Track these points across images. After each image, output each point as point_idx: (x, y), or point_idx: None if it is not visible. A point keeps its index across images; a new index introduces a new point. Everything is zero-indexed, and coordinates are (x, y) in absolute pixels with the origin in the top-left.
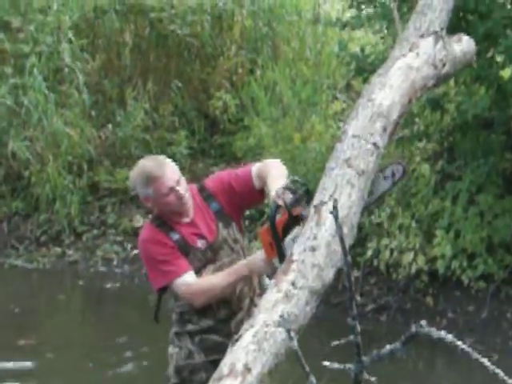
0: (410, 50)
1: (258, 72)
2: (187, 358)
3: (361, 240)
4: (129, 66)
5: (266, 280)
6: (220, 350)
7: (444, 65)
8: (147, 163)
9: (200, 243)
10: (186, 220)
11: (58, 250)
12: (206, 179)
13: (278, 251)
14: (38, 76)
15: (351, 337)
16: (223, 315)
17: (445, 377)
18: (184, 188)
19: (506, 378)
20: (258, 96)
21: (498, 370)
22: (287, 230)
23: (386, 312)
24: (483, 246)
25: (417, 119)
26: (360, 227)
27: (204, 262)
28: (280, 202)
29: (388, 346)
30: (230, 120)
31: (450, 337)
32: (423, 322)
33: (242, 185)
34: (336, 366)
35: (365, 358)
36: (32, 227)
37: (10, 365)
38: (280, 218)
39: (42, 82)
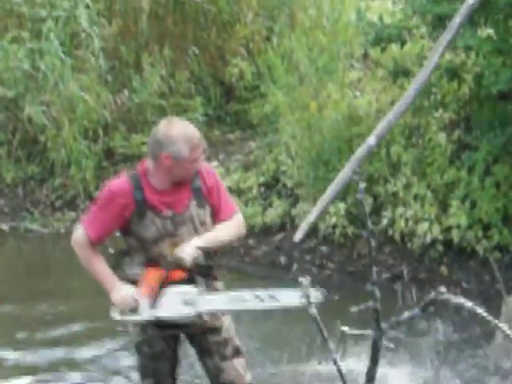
0: None
1: (275, 40)
2: (142, 333)
3: (376, 209)
4: (145, 32)
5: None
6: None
7: None
8: (192, 128)
9: (165, 211)
10: (167, 187)
11: (73, 214)
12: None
13: (155, 296)
14: (55, 40)
15: (370, 303)
16: None
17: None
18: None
19: None
20: (275, 64)
21: None
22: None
23: (401, 281)
24: (499, 217)
25: (434, 89)
26: (375, 196)
27: (163, 232)
28: (188, 261)
29: (407, 313)
30: (245, 87)
31: (469, 304)
32: (442, 289)
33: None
34: (355, 332)
35: (384, 325)
36: (47, 192)
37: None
38: (176, 271)
39: (58, 46)
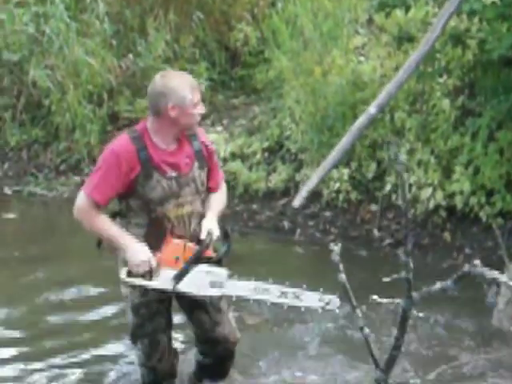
0: None
1: (280, 5)
2: (142, 295)
3: (380, 175)
4: None
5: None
6: None
7: None
8: (187, 75)
9: (170, 172)
10: (170, 147)
11: (77, 178)
12: None
13: (183, 272)
14: (60, 4)
15: (403, 273)
16: None
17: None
18: None
19: None
20: (279, 29)
21: None
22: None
23: (404, 247)
24: (502, 183)
25: (438, 55)
26: (379, 162)
27: (168, 192)
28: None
29: (439, 284)
30: (250, 52)
31: (504, 277)
32: (477, 262)
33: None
34: (385, 300)
35: (415, 295)
36: (51, 156)
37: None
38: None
39: (63, 10)
